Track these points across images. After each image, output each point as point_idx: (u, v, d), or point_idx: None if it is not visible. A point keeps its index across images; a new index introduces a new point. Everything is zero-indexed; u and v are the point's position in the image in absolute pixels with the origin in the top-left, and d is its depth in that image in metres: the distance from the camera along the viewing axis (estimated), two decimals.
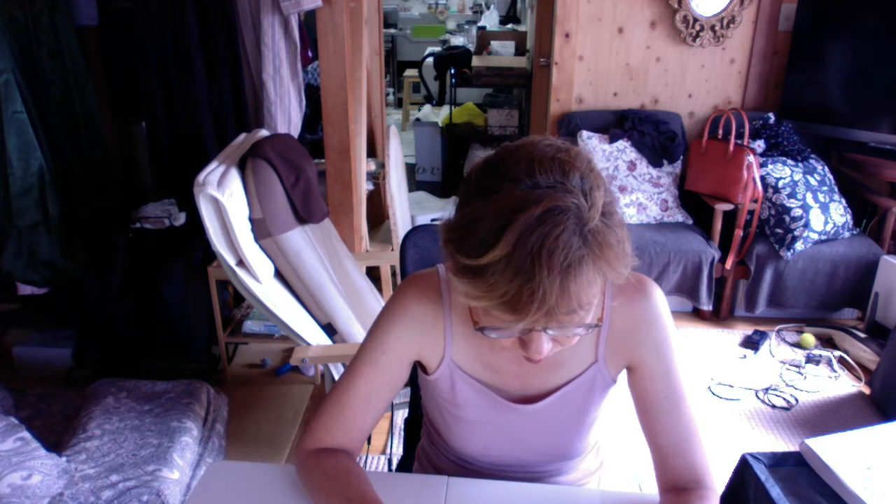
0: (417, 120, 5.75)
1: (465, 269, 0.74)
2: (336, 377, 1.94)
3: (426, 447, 1.17)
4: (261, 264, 1.91)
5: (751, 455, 1.37)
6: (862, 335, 2.79)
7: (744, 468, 1.37)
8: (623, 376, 1.00)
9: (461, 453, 1.06)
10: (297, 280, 1.98)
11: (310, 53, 2.97)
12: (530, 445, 1.03)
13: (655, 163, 3.14)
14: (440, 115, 5.80)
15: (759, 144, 3.09)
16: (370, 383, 0.97)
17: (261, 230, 1.91)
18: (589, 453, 1.12)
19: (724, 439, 2.30)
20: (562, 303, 0.71)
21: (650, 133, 3.16)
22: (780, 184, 2.91)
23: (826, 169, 3.05)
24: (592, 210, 0.72)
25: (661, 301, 0.96)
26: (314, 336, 1.95)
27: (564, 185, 0.73)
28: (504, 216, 0.71)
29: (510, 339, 0.82)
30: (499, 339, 0.84)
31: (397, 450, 2.14)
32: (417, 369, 1.06)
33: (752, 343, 2.88)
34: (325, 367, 1.98)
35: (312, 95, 3.41)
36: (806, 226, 2.83)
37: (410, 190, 3.82)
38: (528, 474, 1.06)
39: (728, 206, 2.95)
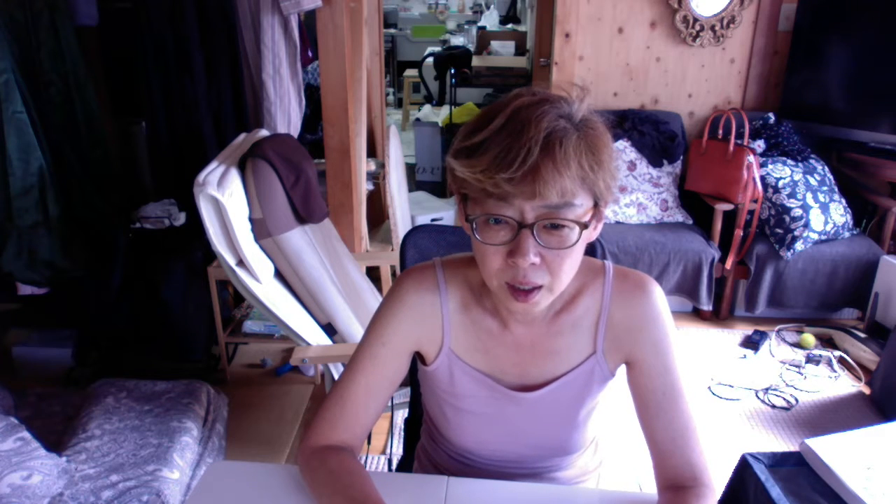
0: (417, 120, 5.75)
1: (464, 150, 0.82)
2: (336, 377, 1.94)
3: (426, 445, 1.17)
4: (261, 264, 1.91)
5: (751, 455, 1.37)
6: (862, 335, 2.79)
7: (744, 468, 1.37)
8: (623, 373, 1.00)
9: (460, 448, 1.06)
10: (297, 280, 1.98)
11: (310, 53, 2.97)
12: (528, 438, 1.03)
13: (655, 163, 3.14)
14: (440, 115, 5.80)
15: (759, 144, 3.09)
16: (371, 377, 0.97)
17: (261, 230, 1.91)
18: (587, 450, 1.12)
19: (724, 439, 2.31)
20: (546, 164, 0.77)
21: (650, 133, 3.16)
22: (780, 184, 2.91)
23: (826, 169, 3.05)
24: (582, 105, 0.83)
25: (660, 299, 0.96)
26: (314, 336, 1.95)
27: (559, 95, 0.84)
28: (501, 104, 0.82)
29: (499, 254, 0.83)
30: (487, 256, 0.84)
31: (397, 450, 2.14)
32: (417, 366, 1.06)
33: (752, 343, 2.88)
34: (325, 367, 1.98)
35: (312, 95, 3.41)
36: (806, 226, 2.83)
37: (410, 190, 3.82)
38: (527, 470, 1.07)
39: (728, 206, 2.95)
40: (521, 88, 0.85)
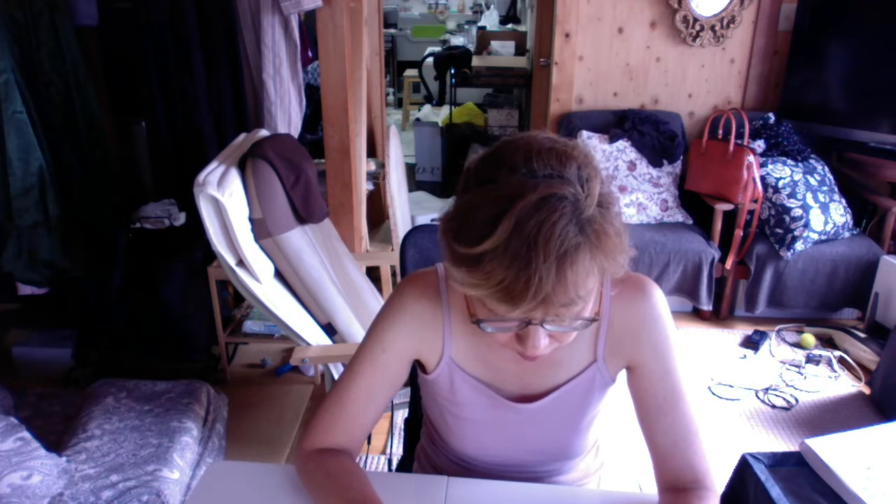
0: (417, 120, 5.75)
1: (462, 258, 0.74)
2: (336, 377, 1.94)
3: (426, 447, 1.17)
4: (261, 264, 1.91)
5: (751, 455, 1.37)
6: (862, 335, 2.79)
7: (744, 468, 1.37)
8: (623, 376, 1.00)
9: (460, 453, 1.06)
10: (297, 280, 1.98)
11: (310, 53, 2.97)
12: (529, 445, 1.03)
13: (655, 163, 3.14)
14: (440, 115, 5.80)
15: (759, 144, 3.09)
16: (370, 381, 0.97)
17: (261, 230, 1.91)
18: (588, 453, 1.12)
19: (724, 439, 2.30)
20: (558, 291, 0.71)
21: (650, 133, 3.16)
22: (780, 184, 2.91)
23: (826, 169, 3.05)
24: (589, 199, 0.73)
25: (660, 301, 0.96)
26: (314, 336, 1.95)
27: (561, 175, 0.73)
28: (501, 204, 0.71)
29: (507, 334, 0.82)
30: (496, 335, 0.84)
31: (397, 450, 2.14)
32: (417, 373, 1.05)
33: (752, 343, 2.88)
34: (325, 367, 1.98)
35: (312, 95, 3.41)
36: (806, 226, 2.83)
37: (410, 190, 3.82)
38: (528, 474, 1.06)
39: (728, 206, 2.95)
40: (518, 158, 0.75)
